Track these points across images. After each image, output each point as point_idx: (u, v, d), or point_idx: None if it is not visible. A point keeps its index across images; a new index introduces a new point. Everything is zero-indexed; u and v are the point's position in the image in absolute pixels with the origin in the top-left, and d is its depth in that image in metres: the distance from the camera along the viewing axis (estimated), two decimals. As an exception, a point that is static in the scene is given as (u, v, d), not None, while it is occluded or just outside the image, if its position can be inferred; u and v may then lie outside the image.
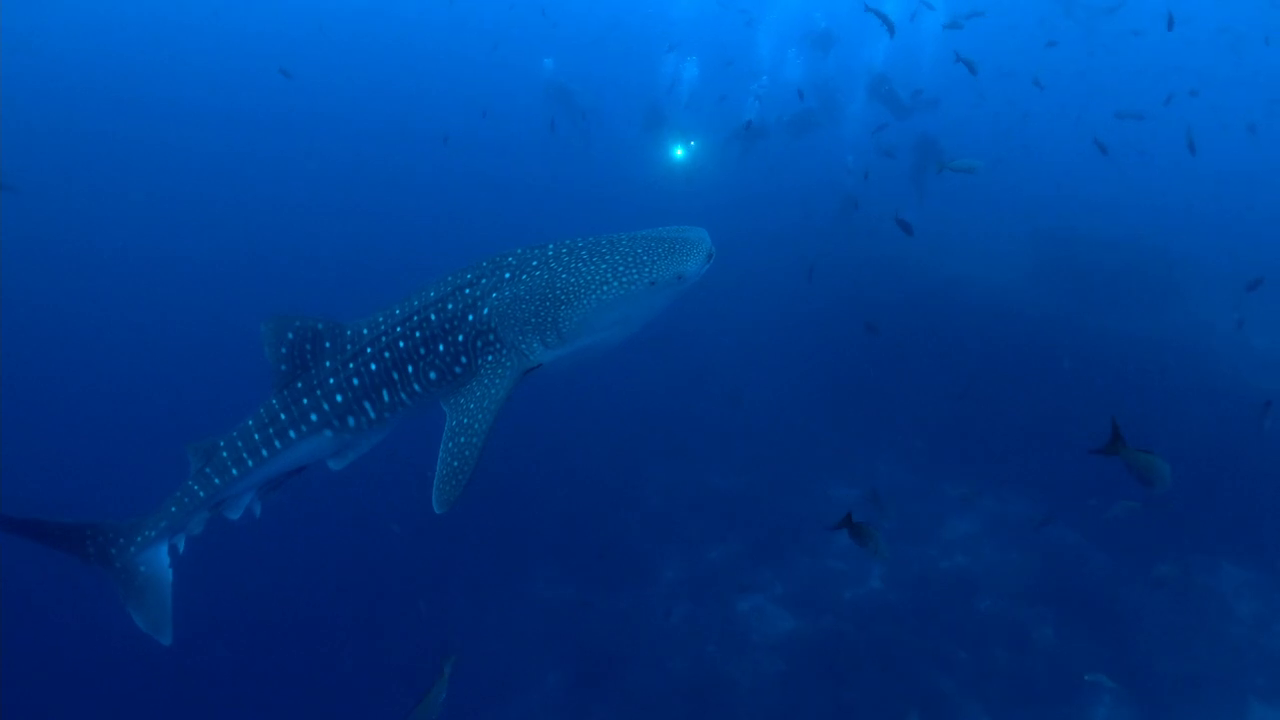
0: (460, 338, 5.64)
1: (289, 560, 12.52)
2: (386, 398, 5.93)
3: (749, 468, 14.71)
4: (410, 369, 5.79)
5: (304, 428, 6.13)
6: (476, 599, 12.61)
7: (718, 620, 11.83)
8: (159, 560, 6.54)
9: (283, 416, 6.16)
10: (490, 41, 42.82)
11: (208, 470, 6.33)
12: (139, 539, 6.47)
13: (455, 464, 5.30)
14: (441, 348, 5.70)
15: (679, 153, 20.78)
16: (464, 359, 5.68)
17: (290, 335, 6.14)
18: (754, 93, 23.25)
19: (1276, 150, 29.58)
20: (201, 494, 6.33)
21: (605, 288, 5.38)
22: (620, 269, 5.43)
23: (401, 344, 5.79)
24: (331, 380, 6.05)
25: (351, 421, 6.08)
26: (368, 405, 6.00)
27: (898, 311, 15.99)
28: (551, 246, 5.72)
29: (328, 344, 6.12)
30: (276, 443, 6.19)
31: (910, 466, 14.45)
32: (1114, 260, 16.98)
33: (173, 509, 6.41)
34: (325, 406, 6.07)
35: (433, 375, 5.76)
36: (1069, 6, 34.67)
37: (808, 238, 19.44)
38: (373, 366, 5.90)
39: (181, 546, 6.54)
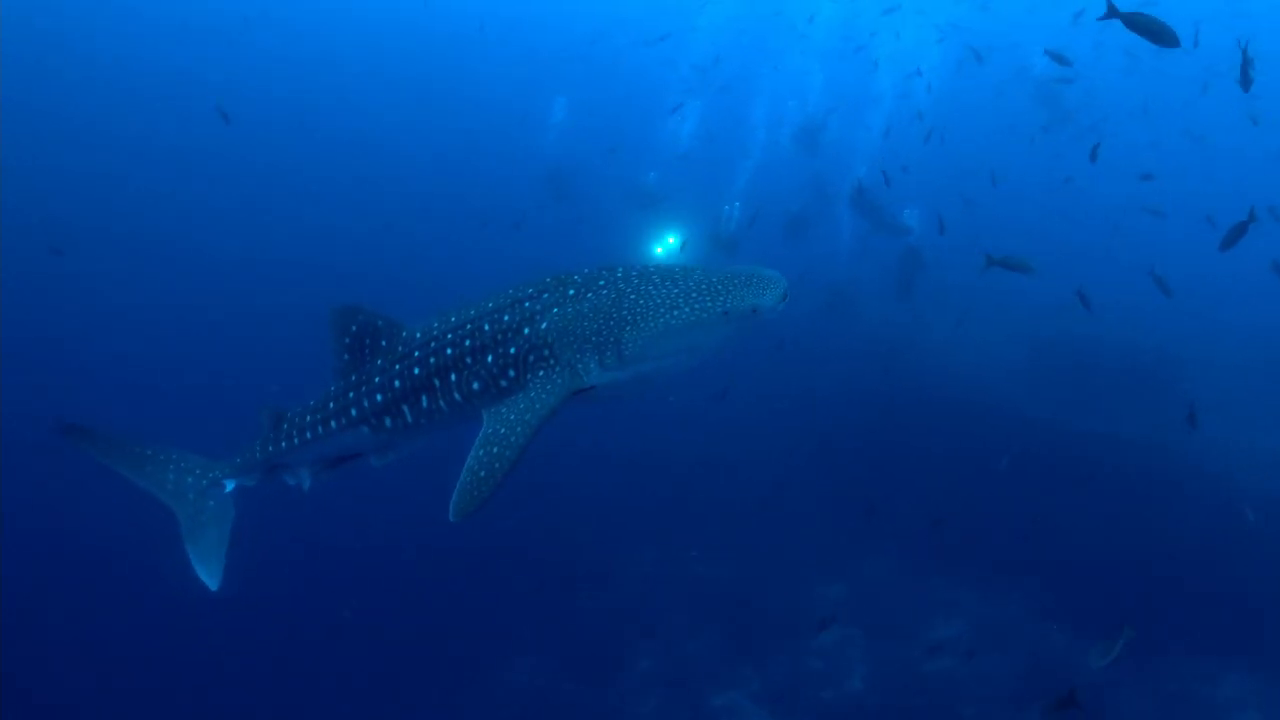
0: (512, 350, 5.46)
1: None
2: (425, 403, 5.85)
3: (734, 556, 14.36)
4: (453, 377, 5.68)
5: (344, 420, 6.23)
6: (448, 683, 12.25)
7: (689, 716, 11.45)
8: (226, 499, 6.88)
9: (330, 405, 6.32)
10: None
11: (270, 435, 6.64)
12: (213, 475, 6.85)
13: (482, 474, 5.02)
14: (490, 359, 5.53)
15: (659, 251, 20.46)
16: (512, 373, 5.48)
17: (354, 327, 6.23)
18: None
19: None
20: (259, 456, 6.69)
21: (675, 312, 5.15)
22: (694, 295, 5.20)
23: (449, 351, 5.69)
24: (377, 379, 6.07)
25: (388, 422, 6.06)
26: (405, 409, 5.96)
27: (890, 407, 15.81)
28: (621, 269, 5.58)
29: (384, 342, 6.17)
30: (319, 429, 6.36)
31: (897, 565, 14.09)
32: (1117, 364, 16.78)
33: (238, 460, 6.79)
34: (365, 404, 6.10)
35: (475, 385, 5.61)
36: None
37: (798, 325, 19.17)
38: (415, 371, 5.84)
39: (229, 488, 6.85)
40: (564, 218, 25.75)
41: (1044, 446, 14.47)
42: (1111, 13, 7.43)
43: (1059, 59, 13.72)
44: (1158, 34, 7.25)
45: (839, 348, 18.21)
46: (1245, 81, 9.16)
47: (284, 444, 6.63)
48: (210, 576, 6.65)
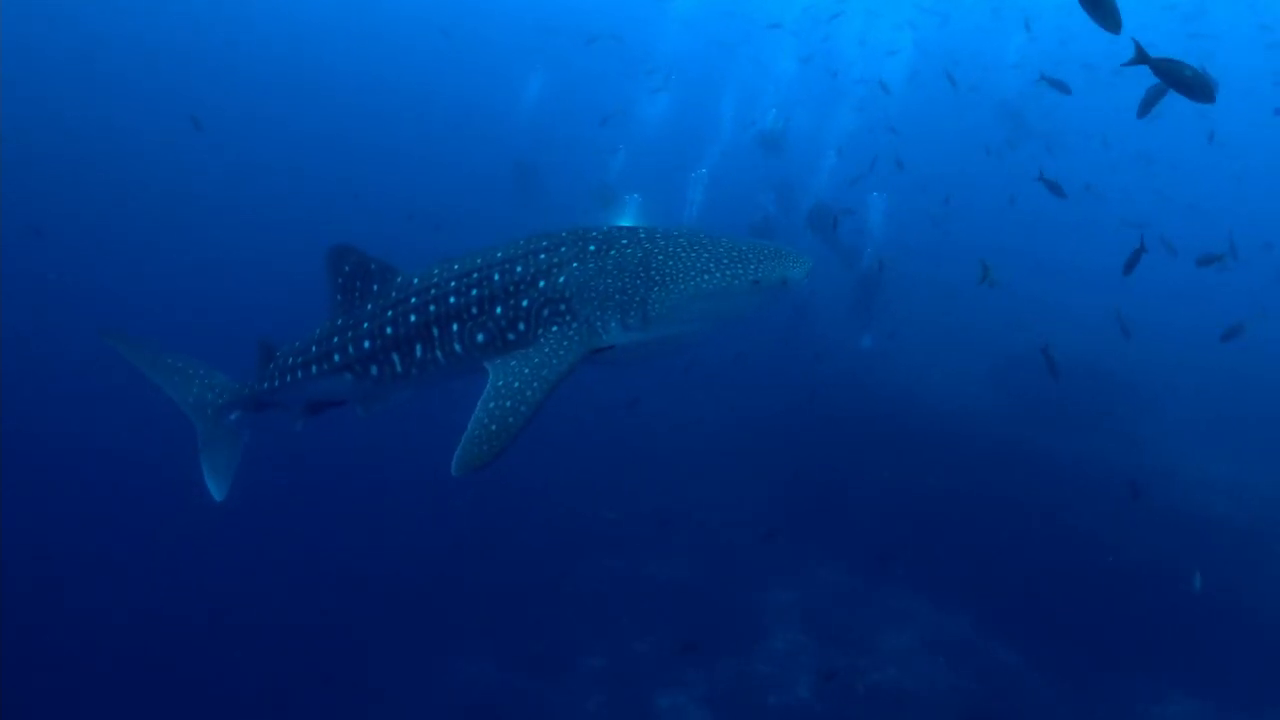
0: (524, 303, 5.26)
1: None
2: (419, 353, 5.62)
3: (688, 560, 14.29)
4: (455, 327, 5.44)
5: (325, 365, 6.06)
6: (391, 677, 12.13)
7: (634, 715, 11.36)
8: (240, 422, 7.05)
9: (313, 349, 6.17)
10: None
11: (259, 372, 6.67)
12: (230, 396, 6.92)
13: (493, 428, 4.71)
14: (499, 310, 5.31)
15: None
16: (522, 326, 5.26)
17: (347, 267, 6.05)
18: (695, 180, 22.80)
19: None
20: (246, 391, 6.74)
21: (706, 276, 5.03)
22: (725, 261, 5.10)
23: (452, 299, 5.44)
24: (365, 324, 5.85)
25: (374, 370, 5.85)
26: (395, 357, 5.72)
27: (851, 420, 15.81)
28: (643, 230, 5.42)
29: (375, 286, 5.94)
30: (299, 373, 6.23)
31: (851, 574, 14.06)
32: (1082, 385, 16.84)
33: (238, 389, 6.90)
34: (350, 350, 5.89)
35: (480, 338, 5.37)
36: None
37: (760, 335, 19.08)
38: (412, 318, 5.59)
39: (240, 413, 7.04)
40: (500, 216, 25.31)
41: (1001, 463, 14.52)
42: (1140, 58, 5.88)
43: (1058, 85, 13.42)
44: (1191, 87, 5.98)
45: (800, 357, 18.17)
46: (1144, 108, 8.60)
47: (266, 385, 6.57)
48: (217, 489, 6.86)
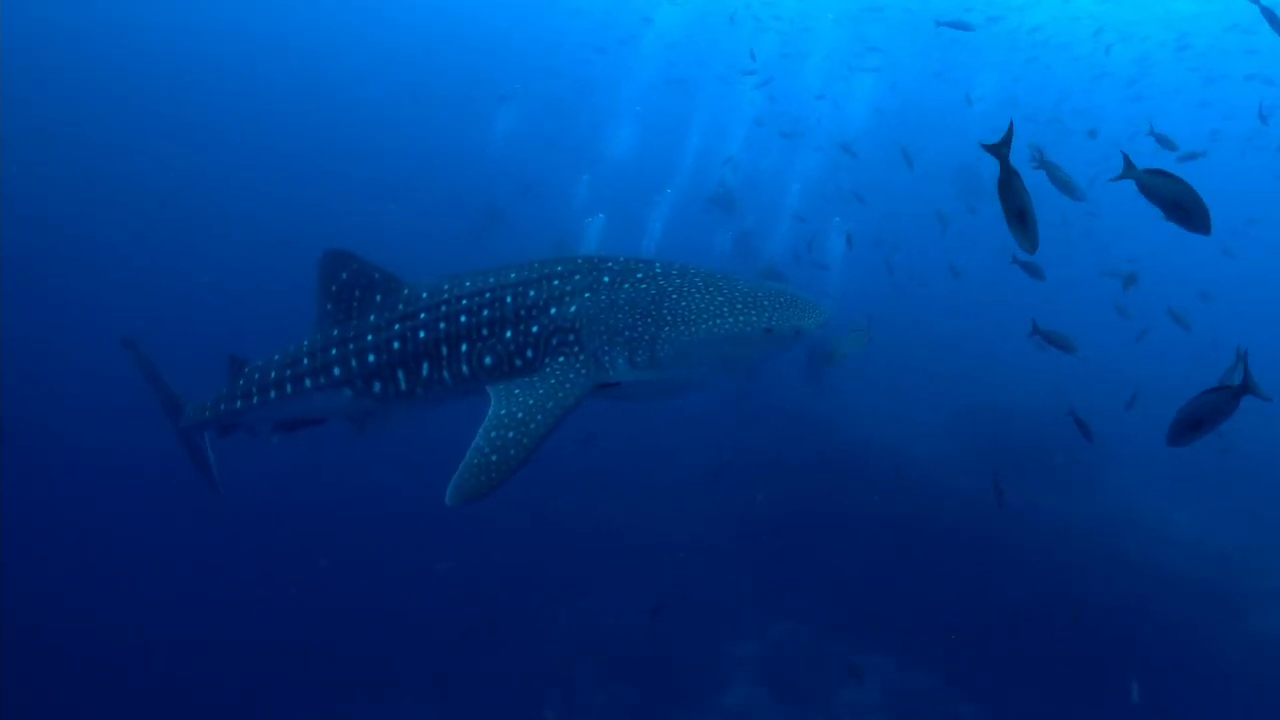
0: (535, 329, 5.09)
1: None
2: (425, 371, 5.37)
3: (641, 608, 14.10)
4: (464, 347, 5.22)
5: (323, 379, 5.67)
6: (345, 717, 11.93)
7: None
8: (203, 440, 6.97)
9: (305, 361, 5.77)
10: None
11: (224, 391, 6.23)
12: (187, 411, 6.80)
13: (494, 458, 4.53)
14: (509, 334, 5.14)
15: None
16: (530, 353, 5.11)
17: (344, 275, 5.70)
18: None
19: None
20: (207, 414, 6.42)
21: (718, 320, 4.84)
22: (739, 306, 4.90)
23: (464, 319, 5.24)
24: (370, 337, 5.52)
25: (378, 387, 5.53)
26: (401, 374, 5.44)
27: (807, 471, 15.73)
28: (659, 264, 5.25)
29: (379, 297, 5.63)
30: (288, 387, 5.81)
31: (809, 630, 13.92)
32: (1038, 436, 16.87)
33: (200, 410, 6.58)
34: (353, 363, 5.56)
35: (488, 361, 5.19)
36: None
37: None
38: (421, 334, 5.35)
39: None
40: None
41: (961, 514, 14.47)
42: (1128, 172, 5.00)
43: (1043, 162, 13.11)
44: (1185, 209, 4.77)
45: (757, 410, 18.12)
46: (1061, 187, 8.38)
47: (238, 404, 6.13)
48: (210, 489, 7.09)
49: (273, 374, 5.91)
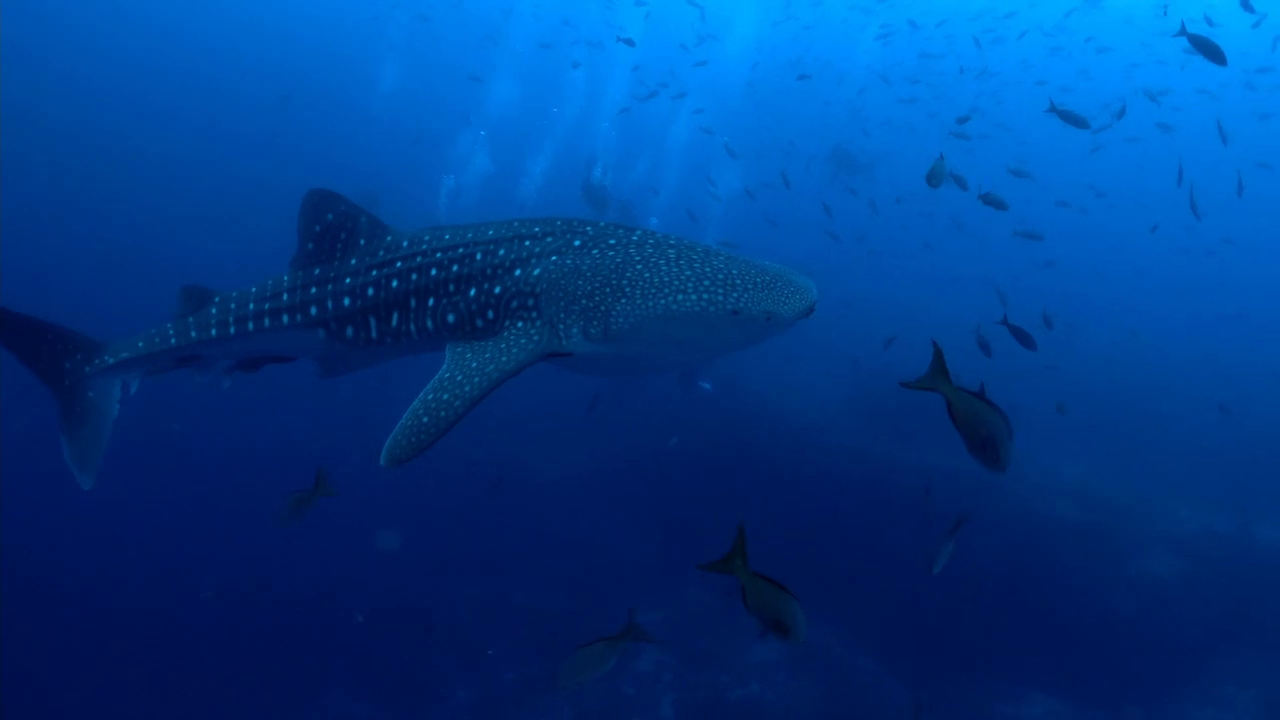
0: (497, 289, 4.88)
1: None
2: (394, 322, 5.21)
3: (556, 585, 14.34)
4: (430, 302, 5.07)
5: (299, 317, 5.54)
6: (262, 708, 11.96)
7: (500, 745, 11.41)
8: (109, 391, 6.09)
9: (285, 298, 5.60)
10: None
11: (190, 320, 5.87)
12: (96, 361, 6.04)
13: (425, 419, 4.31)
14: (473, 292, 4.94)
15: None
16: (491, 314, 4.89)
17: (330, 216, 5.56)
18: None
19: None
20: (174, 341, 5.90)
21: (679, 297, 4.46)
22: (705, 283, 4.51)
23: (434, 271, 5.08)
24: (348, 281, 5.40)
25: (350, 332, 5.41)
26: (372, 321, 5.32)
27: (710, 438, 16.01)
28: (639, 232, 4.94)
29: (362, 241, 5.49)
30: (266, 321, 5.64)
31: (717, 592, 14.23)
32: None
33: (140, 344, 5.98)
34: (329, 305, 5.43)
35: (450, 319, 5.00)
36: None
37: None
38: (394, 284, 5.21)
39: (134, 387, 6.11)
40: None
41: (857, 477, 14.84)
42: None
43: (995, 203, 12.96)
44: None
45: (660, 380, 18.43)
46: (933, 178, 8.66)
47: (213, 332, 5.82)
48: (84, 476, 5.93)
49: (250, 306, 5.72)
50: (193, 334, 5.88)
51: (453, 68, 35.04)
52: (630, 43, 24.17)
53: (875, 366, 18.17)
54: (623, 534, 15.42)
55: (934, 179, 8.53)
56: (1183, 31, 8.33)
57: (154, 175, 33.66)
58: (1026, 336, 9.80)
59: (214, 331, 5.82)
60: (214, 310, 5.86)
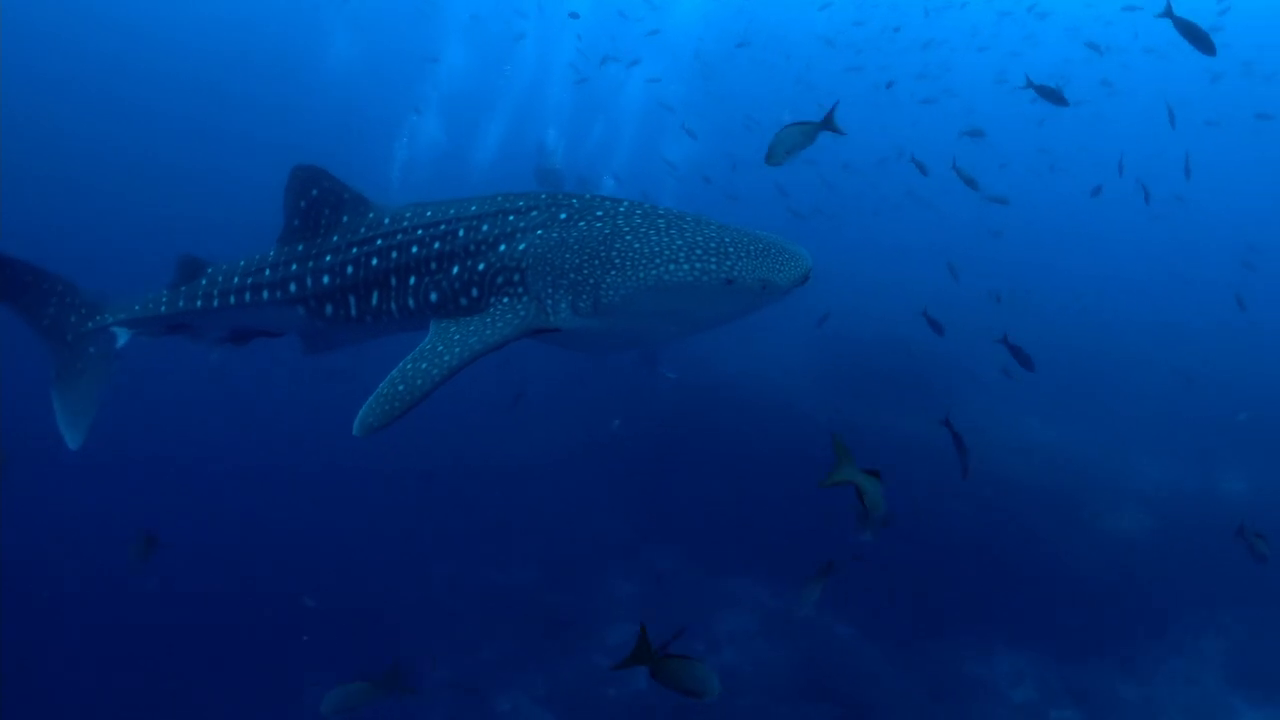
0: (480, 266, 4.77)
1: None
2: (375, 300, 5.13)
3: (528, 562, 14.29)
4: (412, 280, 4.97)
5: (279, 294, 5.49)
6: (238, 699, 11.72)
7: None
8: (109, 350, 6.16)
9: (266, 273, 5.56)
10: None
11: (182, 289, 5.89)
12: (99, 318, 6.11)
13: (400, 387, 4.21)
14: (455, 270, 4.83)
15: None
16: (475, 291, 4.78)
17: (315, 192, 5.48)
18: None
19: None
20: (164, 309, 5.92)
21: (671, 267, 4.32)
22: (698, 252, 4.36)
23: (415, 249, 4.97)
24: (328, 258, 5.32)
25: (329, 310, 5.33)
26: (351, 300, 5.24)
27: (676, 407, 16.00)
28: (627, 203, 4.78)
29: (345, 218, 5.39)
30: (248, 295, 5.62)
31: (689, 561, 14.25)
32: (891, 362, 17.39)
33: (135, 307, 6.03)
34: (308, 282, 5.36)
35: (433, 296, 4.88)
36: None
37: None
38: (374, 261, 5.11)
39: (122, 340, 6.14)
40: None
41: (826, 443, 14.81)
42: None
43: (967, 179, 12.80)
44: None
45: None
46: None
47: (198, 304, 5.84)
48: (73, 434, 5.94)
49: (235, 279, 5.71)
50: (180, 303, 5.92)
51: (397, 47, 34.69)
52: (575, 15, 24.01)
53: (834, 335, 18.25)
54: (594, 510, 15.38)
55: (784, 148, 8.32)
56: (1168, 13, 7.54)
57: (85, 161, 32.93)
58: (1025, 357, 9.72)
59: (199, 303, 5.85)
60: (204, 281, 5.88)
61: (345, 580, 13.70)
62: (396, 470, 15.19)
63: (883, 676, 11.78)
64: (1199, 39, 7.23)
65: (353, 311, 5.28)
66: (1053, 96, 10.48)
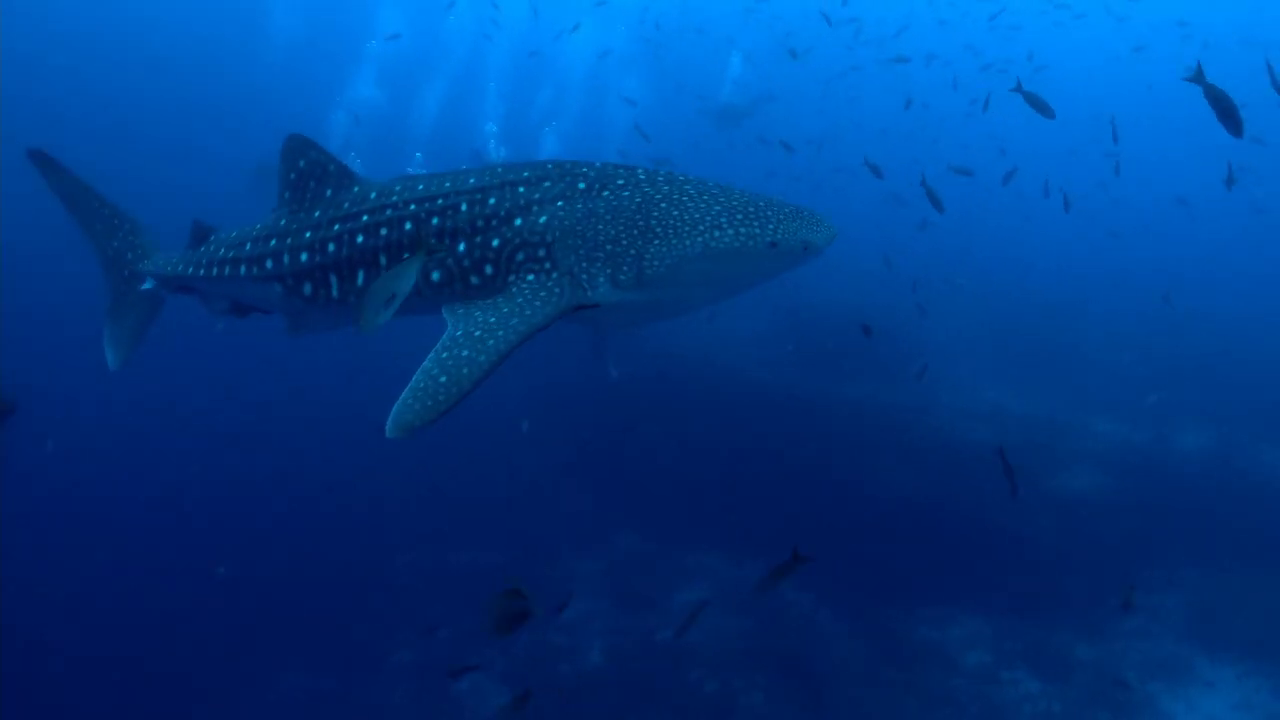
0: (495, 242, 4.50)
1: None
2: (360, 281, 4.84)
3: (487, 543, 14.42)
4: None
5: (256, 270, 5.33)
6: (207, 684, 11.82)
7: (438, 700, 11.49)
8: (154, 293, 6.52)
9: (247, 247, 5.42)
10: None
11: (189, 254, 6.00)
12: (146, 262, 6.39)
13: (442, 379, 3.89)
14: (463, 247, 4.54)
15: None
16: (489, 269, 4.51)
17: (302, 163, 5.29)
18: None
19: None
20: (173, 270, 6.08)
21: (717, 233, 4.25)
22: (739, 218, 4.31)
23: (408, 225, 4.69)
24: (308, 234, 5.08)
25: (308, 289, 5.08)
26: (333, 279, 4.97)
27: (634, 382, 16.06)
28: (642, 171, 4.63)
29: (329, 191, 5.17)
30: (228, 269, 5.53)
31: (647, 536, 14.37)
32: (846, 332, 17.50)
33: (160, 260, 6.31)
34: (285, 260, 5.12)
35: (435, 276, 4.60)
36: None
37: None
38: (359, 239, 4.84)
39: (147, 286, 6.49)
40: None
41: (783, 414, 14.96)
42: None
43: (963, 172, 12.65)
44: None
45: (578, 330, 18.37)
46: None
47: (191, 270, 5.88)
48: (114, 357, 6.39)
49: (222, 251, 5.63)
50: (180, 268, 6.06)
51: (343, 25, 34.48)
52: None
53: (796, 306, 18.33)
54: (557, 492, 15.50)
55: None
56: (1198, 78, 6.04)
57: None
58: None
59: (191, 270, 5.95)
60: (204, 249, 5.95)
61: (309, 565, 13.84)
62: (358, 457, 15.26)
63: (836, 643, 11.92)
64: (1228, 115, 6.01)
65: (334, 292, 5.02)
66: (1042, 107, 10.28)
